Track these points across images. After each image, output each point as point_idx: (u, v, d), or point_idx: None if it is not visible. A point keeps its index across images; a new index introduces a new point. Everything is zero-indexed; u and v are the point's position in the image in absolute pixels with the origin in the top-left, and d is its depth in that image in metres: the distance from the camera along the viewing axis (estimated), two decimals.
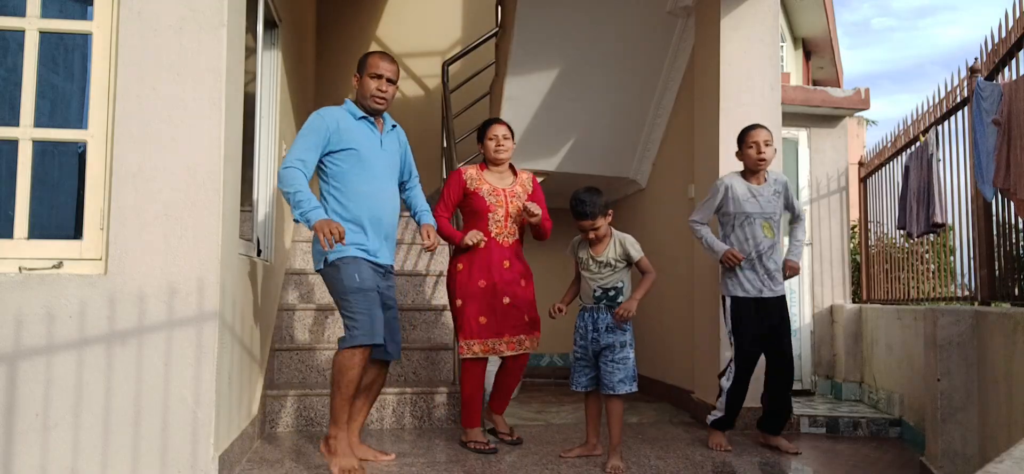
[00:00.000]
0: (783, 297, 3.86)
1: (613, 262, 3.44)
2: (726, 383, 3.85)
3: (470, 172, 3.89)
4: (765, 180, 3.90)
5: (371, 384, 3.44)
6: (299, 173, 3.15)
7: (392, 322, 3.42)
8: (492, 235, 3.79)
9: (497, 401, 3.96)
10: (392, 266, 3.45)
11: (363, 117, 3.38)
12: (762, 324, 3.79)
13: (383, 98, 3.36)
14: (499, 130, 3.91)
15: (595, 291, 3.45)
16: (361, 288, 3.18)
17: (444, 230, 3.78)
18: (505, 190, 3.86)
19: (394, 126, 3.53)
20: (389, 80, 3.36)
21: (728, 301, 3.85)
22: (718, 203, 3.89)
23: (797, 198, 4.05)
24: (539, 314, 3.91)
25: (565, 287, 3.70)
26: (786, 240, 4.12)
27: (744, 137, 3.88)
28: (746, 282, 3.81)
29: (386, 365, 3.49)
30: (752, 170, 3.88)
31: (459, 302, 3.76)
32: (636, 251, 3.44)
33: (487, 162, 3.94)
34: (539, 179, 4.26)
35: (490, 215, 3.80)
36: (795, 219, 4.03)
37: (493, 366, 4.68)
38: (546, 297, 4.32)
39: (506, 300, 3.76)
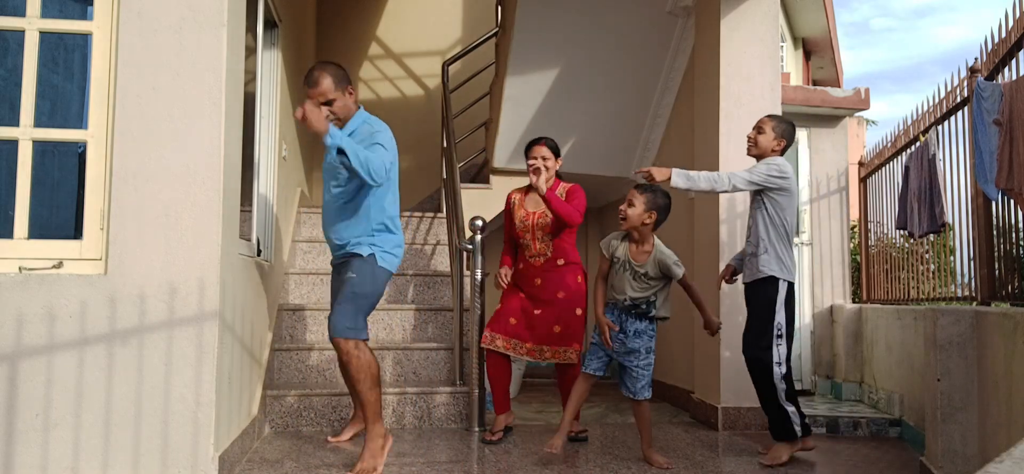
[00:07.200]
0: (753, 282, 3.69)
1: (652, 275, 3.41)
2: None
3: (514, 196, 4.09)
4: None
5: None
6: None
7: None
8: (527, 257, 3.98)
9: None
10: (346, 255, 3.33)
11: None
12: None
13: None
14: (541, 150, 3.89)
15: (626, 300, 3.43)
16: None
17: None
18: (535, 213, 3.96)
19: (352, 132, 3.31)
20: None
21: None
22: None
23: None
24: (582, 329, 3.96)
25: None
26: (767, 235, 3.70)
27: None
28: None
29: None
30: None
31: (500, 305, 4.01)
32: (679, 269, 3.41)
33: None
34: None
35: (521, 240, 3.99)
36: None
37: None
38: None
39: (537, 311, 3.92)
